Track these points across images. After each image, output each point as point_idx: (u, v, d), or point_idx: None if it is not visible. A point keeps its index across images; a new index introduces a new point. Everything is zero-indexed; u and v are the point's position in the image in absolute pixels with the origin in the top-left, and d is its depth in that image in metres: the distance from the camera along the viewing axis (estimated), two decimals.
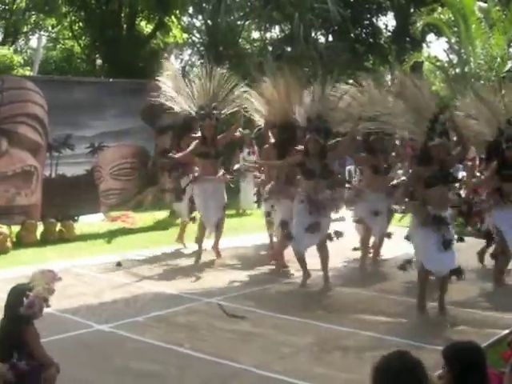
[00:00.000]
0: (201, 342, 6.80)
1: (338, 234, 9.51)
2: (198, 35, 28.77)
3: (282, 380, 5.94)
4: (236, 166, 14.03)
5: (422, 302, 8.04)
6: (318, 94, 9.52)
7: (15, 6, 29.82)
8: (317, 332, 7.33)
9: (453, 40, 23.25)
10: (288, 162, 9.79)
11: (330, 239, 9.42)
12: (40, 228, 12.57)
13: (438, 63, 24.83)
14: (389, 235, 10.72)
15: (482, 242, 10.59)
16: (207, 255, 10.96)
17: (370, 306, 8.34)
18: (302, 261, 9.42)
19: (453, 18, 22.22)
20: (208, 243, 11.12)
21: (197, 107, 10.80)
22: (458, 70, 23.01)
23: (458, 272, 7.94)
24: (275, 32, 29.17)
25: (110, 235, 12.90)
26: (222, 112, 10.79)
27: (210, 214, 10.81)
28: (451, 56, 24.57)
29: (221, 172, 11.00)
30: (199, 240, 10.95)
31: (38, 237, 12.41)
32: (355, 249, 11.06)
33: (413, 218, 8.15)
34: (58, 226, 12.68)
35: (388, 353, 3.45)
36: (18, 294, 5.00)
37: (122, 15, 26.15)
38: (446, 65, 24.53)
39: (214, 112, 10.66)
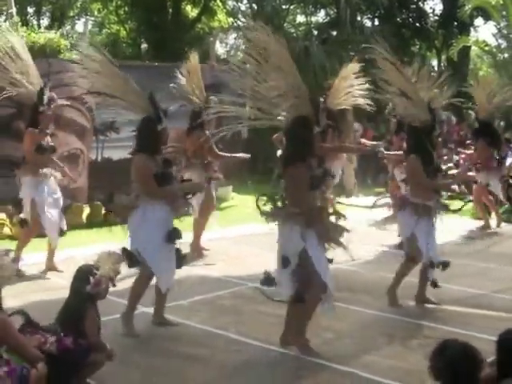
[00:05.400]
0: (246, 326, 6.80)
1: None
2: (243, 19, 28.75)
3: (326, 366, 5.93)
4: None
5: None
6: None
7: None
8: (360, 318, 7.31)
9: (502, 24, 22.86)
10: None
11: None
12: (86, 211, 12.69)
13: (486, 48, 24.44)
14: None
15: None
16: (255, 240, 10.91)
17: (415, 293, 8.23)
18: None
19: (501, 2, 21.83)
20: None
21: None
22: (506, 55, 22.64)
23: None
24: (321, 16, 29.06)
25: None
26: None
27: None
28: (500, 40, 24.16)
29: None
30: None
31: (84, 220, 12.53)
32: None
33: None
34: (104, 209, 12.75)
35: (444, 342, 3.43)
36: (84, 273, 5.07)
37: None
38: (494, 50, 24.15)
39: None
